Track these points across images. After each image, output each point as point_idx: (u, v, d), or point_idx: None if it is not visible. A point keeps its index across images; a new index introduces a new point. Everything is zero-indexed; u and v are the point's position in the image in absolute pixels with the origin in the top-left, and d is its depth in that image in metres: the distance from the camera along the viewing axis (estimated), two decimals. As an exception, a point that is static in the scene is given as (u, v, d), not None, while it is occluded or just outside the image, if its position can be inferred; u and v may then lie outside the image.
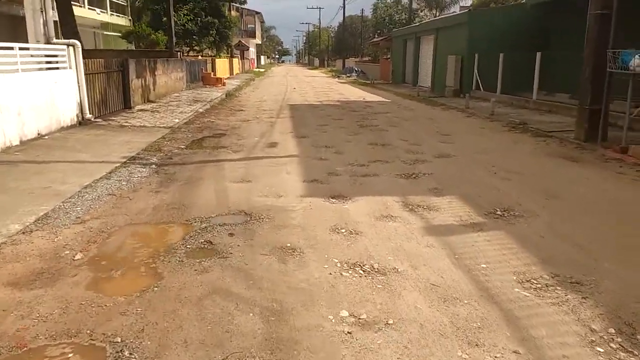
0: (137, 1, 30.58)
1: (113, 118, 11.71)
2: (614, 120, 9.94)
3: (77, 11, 23.00)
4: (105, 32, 27.78)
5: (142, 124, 10.99)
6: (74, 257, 4.03)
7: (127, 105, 13.55)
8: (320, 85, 30.22)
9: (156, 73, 16.53)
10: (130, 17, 29.23)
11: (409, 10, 37.41)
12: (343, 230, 4.64)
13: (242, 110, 15.35)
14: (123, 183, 6.29)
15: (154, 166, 7.30)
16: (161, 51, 21.45)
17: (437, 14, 45.71)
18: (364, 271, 3.76)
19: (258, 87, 28.40)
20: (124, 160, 7.46)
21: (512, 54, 17.05)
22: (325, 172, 7.00)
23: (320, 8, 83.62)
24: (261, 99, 19.76)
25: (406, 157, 8.04)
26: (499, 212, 5.22)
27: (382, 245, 4.27)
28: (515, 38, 18.48)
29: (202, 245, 4.28)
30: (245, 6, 55.71)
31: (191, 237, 4.48)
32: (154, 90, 16.21)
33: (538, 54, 14.61)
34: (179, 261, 3.93)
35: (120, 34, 24.52)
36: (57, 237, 4.45)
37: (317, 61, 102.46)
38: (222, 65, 33.64)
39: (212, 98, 17.81)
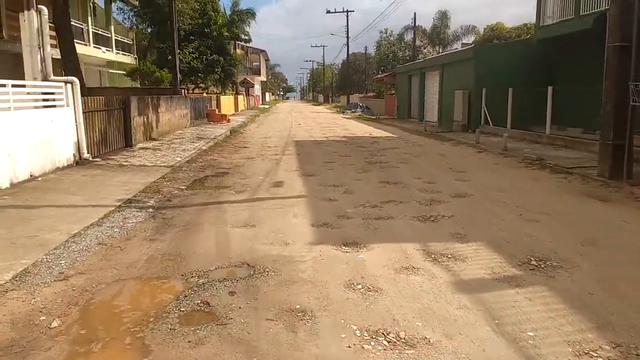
0: (143, 40, 30.89)
1: (113, 157, 11.30)
2: (636, 156, 9.43)
3: (82, 49, 23.06)
4: (110, 70, 27.85)
5: (142, 163, 10.56)
6: (50, 324, 3.46)
7: (128, 143, 13.18)
8: (325, 121, 30.03)
9: (159, 110, 16.27)
10: (136, 56, 29.39)
11: (412, 47, 37.66)
12: (359, 287, 4.06)
13: (246, 147, 14.96)
14: (115, 230, 5.76)
15: (150, 210, 6.79)
16: (165, 88, 21.33)
17: (440, 51, 46.08)
18: (388, 342, 3.16)
19: (263, 124, 28.21)
20: (119, 203, 6.95)
21: (521, 88, 16.73)
22: (335, 214, 6.46)
23: (324, 46, 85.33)
24: (266, 135, 19.43)
25: (421, 197, 7.50)
26: (534, 262, 4.63)
27: (407, 307, 3.68)
28: (521, 73, 18.24)
29: (199, 307, 3.71)
30: (250, 44, 56.65)
31: (186, 296, 3.92)
32: (156, 127, 15.90)
33: (549, 88, 14.25)
34: (170, 329, 3.35)
35: (124, 72, 24.51)
36: (34, 298, 3.90)
37: (321, 97, 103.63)
38: (227, 102, 33.66)
39: (216, 135, 17.48)
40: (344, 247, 5.09)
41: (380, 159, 12.02)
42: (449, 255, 4.83)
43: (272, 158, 12.27)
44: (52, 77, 9.84)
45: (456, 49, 38.87)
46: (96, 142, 11.24)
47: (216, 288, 4.06)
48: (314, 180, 9.03)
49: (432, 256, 4.81)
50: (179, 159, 11.34)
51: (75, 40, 22.35)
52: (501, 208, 6.82)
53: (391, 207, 6.91)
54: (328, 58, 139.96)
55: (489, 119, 18.10)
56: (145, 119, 14.68)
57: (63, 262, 4.69)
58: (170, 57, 31.41)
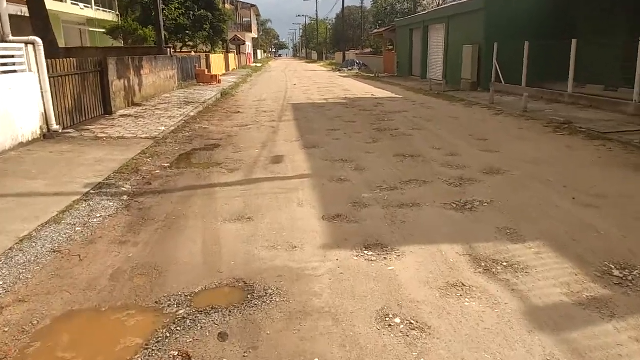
0: (125, -5, 28.78)
1: (88, 127, 10.01)
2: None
3: (58, 6, 21.25)
4: (91, 29, 25.98)
5: (121, 135, 9.29)
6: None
7: (107, 110, 11.84)
8: (322, 80, 28.45)
9: (142, 72, 14.80)
10: (118, 13, 27.39)
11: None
12: (398, 321, 2.97)
13: (239, 112, 13.63)
14: (77, 229, 4.60)
15: (125, 198, 5.62)
16: (150, 47, 19.69)
17: (440, 3, 43.84)
18: None
19: (256, 84, 26.65)
20: (88, 189, 5.77)
21: (537, 42, 15.32)
22: (349, 201, 5.32)
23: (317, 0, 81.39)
24: (260, 97, 18.02)
25: (447, 175, 6.35)
26: (616, 273, 3.55)
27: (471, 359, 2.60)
28: (537, 25, 16.77)
29: (175, 366, 2.61)
30: (240, -1, 53.91)
31: (159, 341, 2.82)
32: (139, 91, 14.48)
33: (574, 42, 12.87)
34: (130, 415, 2.26)
35: (104, 30, 22.70)
36: (-55, 348, 2.79)
37: (315, 54, 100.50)
38: (217, 61, 31.85)
39: (206, 98, 16.08)
40: (366, 252, 3.98)
41: (388, 124, 10.77)
42: (505, 264, 3.73)
43: (269, 125, 11.00)
44: (10, 38, 8.41)
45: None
46: (68, 110, 9.91)
47: (201, 326, 2.96)
48: (318, 154, 7.84)
49: (484, 265, 3.71)
50: (163, 128, 10.06)
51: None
52: (547, 189, 5.69)
53: (414, 189, 5.77)
54: (322, 12, 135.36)
55: (501, 76, 16.74)
56: (126, 83, 13.26)
57: (0, 282, 3.57)
58: (154, 13, 29.54)
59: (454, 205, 5.12)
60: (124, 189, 5.96)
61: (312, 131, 10.06)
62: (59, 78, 9.63)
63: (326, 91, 20.36)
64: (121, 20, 22.38)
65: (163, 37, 18.76)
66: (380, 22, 47.12)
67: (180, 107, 13.54)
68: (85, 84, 10.81)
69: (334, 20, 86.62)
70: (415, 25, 26.70)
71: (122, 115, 11.81)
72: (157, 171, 6.85)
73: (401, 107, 13.99)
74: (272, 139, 9.27)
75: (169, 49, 18.82)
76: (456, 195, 5.47)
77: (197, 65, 24.76)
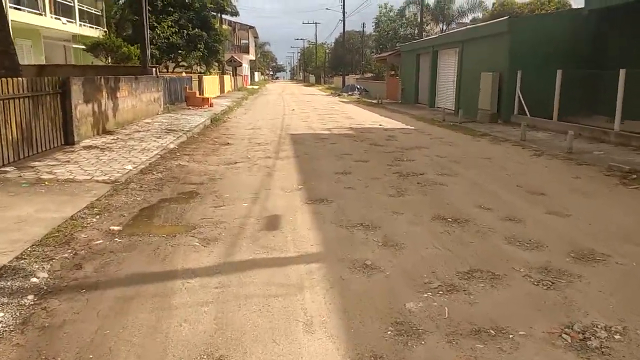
0: (115, 11, 27.05)
1: (35, 164, 7.95)
2: None
3: (36, 19, 19.38)
4: (75, 46, 24.11)
5: (71, 176, 7.22)
6: None
7: (68, 140, 9.80)
8: (321, 106, 26.61)
9: (118, 95, 12.82)
10: (106, 29, 25.56)
11: (419, 22, 34.04)
12: None
13: (229, 143, 11.61)
14: None
15: (30, 298, 3.53)
16: (134, 67, 17.78)
17: (444, 28, 42.64)
18: None
19: (251, 108, 24.78)
20: (-26, 283, 3.67)
21: (569, 70, 13.54)
22: (388, 319, 3.26)
23: (316, 23, 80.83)
24: (255, 125, 16.06)
25: (522, 261, 4.31)
26: None
27: None
28: (565, 52, 15.05)
29: None
30: (238, 20, 52.68)
31: None
32: (114, 117, 12.48)
33: (622, 72, 11.03)
34: None
35: (84, 47, 20.77)
36: None
37: (312, 78, 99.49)
38: (210, 82, 30.07)
39: (193, 125, 14.08)
40: None
41: (410, 167, 8.78)
42: None
43: (263, 164, 8.97)
44: None
45: (473, 23, 35.49)
46: (12, 142, 7.86)
47: None
48: (328, 214, 5.78)
49: None
50: (129, 167, 8.00)
51: (21, 7, 18.66)
52: (695, 298, 3.65)
53: (486, 292, 3.71)
54: (320, 37, 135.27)
55: (525, 108, 14.91)
56: (95, 107, 11.25)
57: None
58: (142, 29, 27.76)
59: (566, 339, 3.05)
60: (35, 279, 3.86)
61: (316, 175, 8.03)
62: (4, 101, 7.63)
63: (328, 119, 18.45)
64: (103, 36, 20.43)
65: (149, 55, 16.87)
66: (381, 46, 45.75)
67: (159, 137, 11.51)
68: (39, 109, 8.78)
69: (332, 44, 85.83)
70: (423, 49, 25.06)
71: (85, 147, 9.76)
72: (99, 241, 4.76)
73: (417, 142, 12.04)
74: (267, 186, 7.22)
75: (154, 69, 16.91)
76: (558, 312, 3.41)
77: (187, 86, 22.87)
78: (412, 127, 15.61)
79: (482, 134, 13.46)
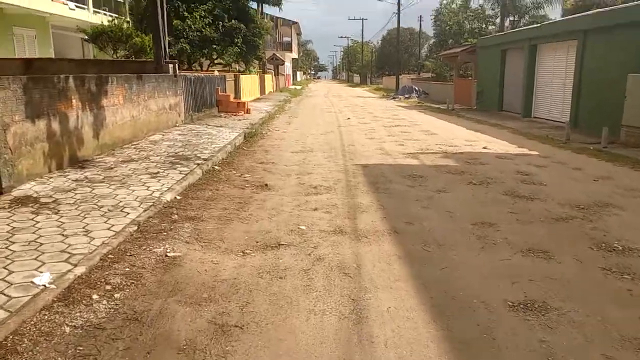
0: (140, -1, 23.15)
1: None
2: None
3: (36, 4, 15.58)
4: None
5: None
6: None
7: (-14, 188, 5.57)
8: (381, 113, 21.82)
9: (105, 102, 8.57)
10: (129, 20, 21.69)
11: (500, 17, 28.65)
12: None
13: (266, 186, 7.12)
14: None
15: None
16: (147, 62, 13.61)
17: (515, 22, 36.98)
18: None
19: (296, 115, 20.37)
20: None
21: None
22: None
23: (363, 19, 75.82)
24: (304, 144, 11.55)
25: None
26: None
27: None
28: None
29: None
30: (280, 15, 48.55)
31: None
32: (95, 137, 8.23)
33: None
34: None
35: (86, 37, 16.82)
36: None
37: (357, 78, 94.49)
38: (249, 82, 25.90)
39: (216, 148, 9.71)
40: None
41: (629, 270, 4.00)
42: None
43: (332, 259, 4.37)
44: None
45: (553, 18, 29.83)
46: None
47: None
48: None
49: None
50: (45, 279, 3.59)
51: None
52: None
53: None
54: (367, 34, 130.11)
55: None
56: (55, 125, 7.00)
57: None
58: (176, 21, 23.77)
59: None
60: None
61: (470, 311, 3.37)
62: None
63: (400, 134, 13.71)
64: (109, 23, 16.37)
65: (165, 48, 12.64)
66: (442, 42, 40.43)
67: (155, 174, 7.12)
68: None
69: (378, 42, 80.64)
70: (512, 44, 19.93)
71: (15, 201, 5.49)
72: None
73: (584, 190, 7.14)
74: (360, 343, 2.64)
75: (172, 65, 12.68)
76: None
77: (220, 88, 18.62)
78: (535, 153, 10.64)
79: (669, 172, 8.42)
